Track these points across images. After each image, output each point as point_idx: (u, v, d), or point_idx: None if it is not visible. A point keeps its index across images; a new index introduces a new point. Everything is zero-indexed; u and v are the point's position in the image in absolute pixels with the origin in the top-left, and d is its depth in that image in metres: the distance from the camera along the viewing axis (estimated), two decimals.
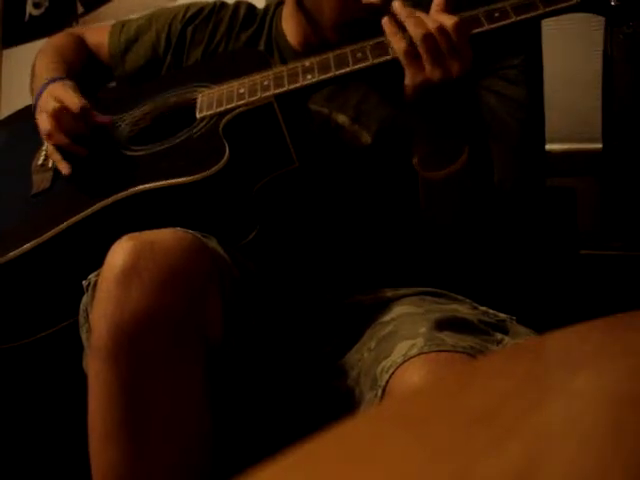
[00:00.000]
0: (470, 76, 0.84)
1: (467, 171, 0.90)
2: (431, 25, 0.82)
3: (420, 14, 0.84)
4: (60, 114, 0.95)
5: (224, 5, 1.15)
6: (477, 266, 1.09)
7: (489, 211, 0.99)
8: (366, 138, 1.00)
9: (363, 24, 0.95)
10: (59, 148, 0.97)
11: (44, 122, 0.96)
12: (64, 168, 0.96)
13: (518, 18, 0.84)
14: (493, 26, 0.84)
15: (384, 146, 0.99)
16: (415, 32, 0.82)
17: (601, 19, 0.89)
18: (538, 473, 0.22)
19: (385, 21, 0.85)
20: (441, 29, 0.81)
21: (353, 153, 1.00)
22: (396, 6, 0.85)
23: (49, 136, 0.96)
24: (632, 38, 0.85)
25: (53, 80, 1.02)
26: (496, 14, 0.85)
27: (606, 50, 1.25)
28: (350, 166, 1.00)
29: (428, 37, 0.81)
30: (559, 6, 0.83)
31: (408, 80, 0.84)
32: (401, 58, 0.83)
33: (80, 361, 0.83)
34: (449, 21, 0.82)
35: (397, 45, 0.84)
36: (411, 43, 0.82)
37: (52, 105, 0.95)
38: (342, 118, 1.01)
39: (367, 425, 0.29)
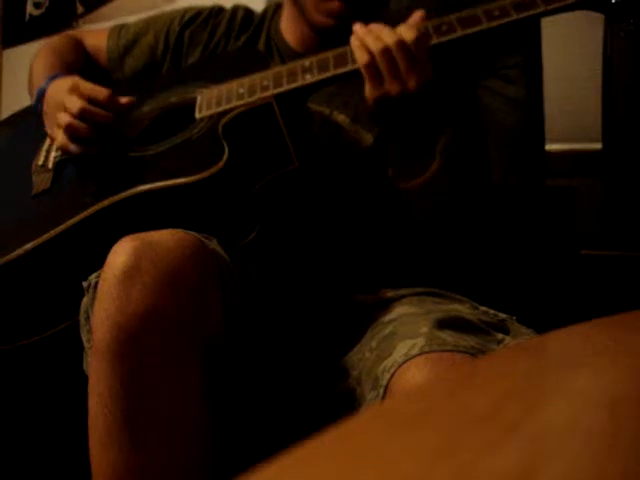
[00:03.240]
0: (430, 88, 0.85)
1: (442, 178, 0.90)
2: (389, 39, 0.83)
3: (380, 29, 0.85)
4: (90, 110, 0.92)
5: (222, 9, 1.15)
6: (477, 266, 1.09)
7: (481, 211, 1.00)
8: (367, 138, 1.00)
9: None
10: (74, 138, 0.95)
11: (64, 119, 0.92)
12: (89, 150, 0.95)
13: (518, 16, 0.83)
14: (493, 24, 0.84)
15: (385, 146, 0.99)
16: (374, 46, 0.84)
17: (601, 17, 0.89)
18: (538, 473, 0.22)
19: (352, 37, 0.87)
20: (399, 43, 0.83)
21: (354, 153, 1.00)
22: (356, 27, 0.88)
23: (71, 130, 0.92)
24: (633, 35, 0.85)
25: (54, 77, 1.02)
26: (496, 12, 0.84)
27: (606, 49, 1.25)
28: (351, 166, 1.00)
29: (386, 51, 0.83)
30: (559, 4, 0.82)
31: (367, 92, 0.86)
32: (362, 70, 0.85)
33: (80, 362, 0.83)
34: (408, 35, 0.84)
35: (360, 58, 0.85)
36: (373, 57, 0.84)
37: (78, 104, 0.92)
38: (342, 118, 1.01)
39: (367, 425, 0.29)
